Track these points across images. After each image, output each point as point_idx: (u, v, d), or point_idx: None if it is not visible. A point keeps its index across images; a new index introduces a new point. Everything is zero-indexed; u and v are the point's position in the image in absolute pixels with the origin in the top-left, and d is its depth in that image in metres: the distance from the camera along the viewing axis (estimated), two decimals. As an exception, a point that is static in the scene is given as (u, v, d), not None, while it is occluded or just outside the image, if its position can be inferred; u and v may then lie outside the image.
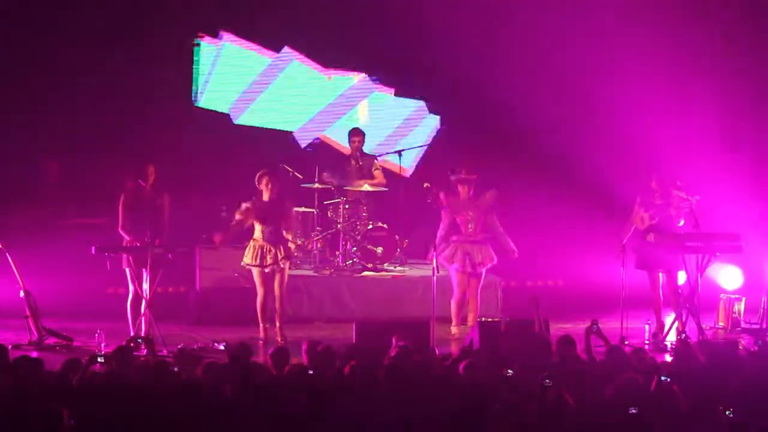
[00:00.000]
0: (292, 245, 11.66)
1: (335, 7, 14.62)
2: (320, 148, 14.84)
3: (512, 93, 14.70)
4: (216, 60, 14.85)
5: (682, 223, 11.55)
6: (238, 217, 11.40)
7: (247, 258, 11.41)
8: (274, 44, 14.97)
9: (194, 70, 14.79)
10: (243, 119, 14.95)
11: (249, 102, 14.96)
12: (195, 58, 14.78)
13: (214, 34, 14.82)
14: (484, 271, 11.96)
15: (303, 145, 14.99)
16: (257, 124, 14.94)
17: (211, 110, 14.83)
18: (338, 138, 14.96)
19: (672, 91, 14.73)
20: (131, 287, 11.00)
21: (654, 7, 14.76)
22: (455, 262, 11.84)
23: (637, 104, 14.78)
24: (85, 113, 14.04)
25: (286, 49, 14.93)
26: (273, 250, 11.34)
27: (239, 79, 14.94)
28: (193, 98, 14.81)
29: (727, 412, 6.55)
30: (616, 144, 14.71)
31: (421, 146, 14.75)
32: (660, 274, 11.66)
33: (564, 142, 14.91)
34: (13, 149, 13.77)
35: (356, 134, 13.85)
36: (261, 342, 11.28)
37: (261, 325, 11.51)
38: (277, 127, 14.99)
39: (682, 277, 11.89)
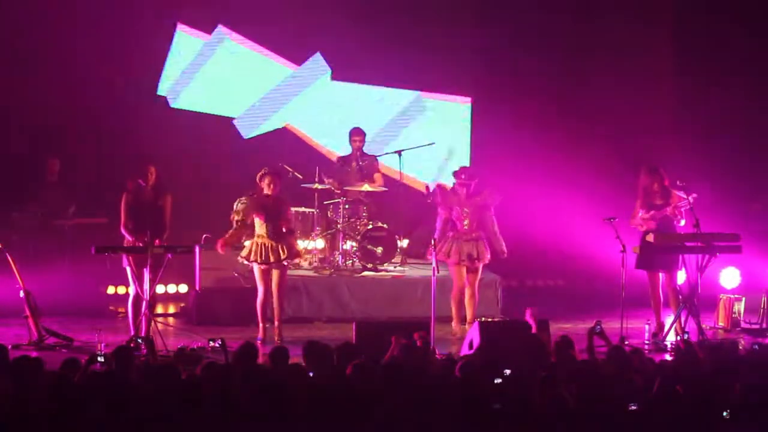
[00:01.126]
0: (303, 251, 11.66)
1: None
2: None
3: (509, 87, 14.77)
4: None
5: (683, 222, 11.54)
6: (237, 216, 11.35)
7: (248, 254, 11.37)
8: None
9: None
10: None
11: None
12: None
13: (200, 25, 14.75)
14: (481, 266, 11.94)
15: (245, 136, 14.76)
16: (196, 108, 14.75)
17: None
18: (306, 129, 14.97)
19: (672, 90, 14.74)
20: (132, 287, 10.99)
21: (659, 7, 14.79)
22: (451, 257, 11.82)
23: (638, 104, 14.79)
24: (85, 113, 14.04)
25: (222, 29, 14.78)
26: (274, 247, 11.32)
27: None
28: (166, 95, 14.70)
29: (724, 413, 6.56)
30: (617, 144, 14.72)
31: (424, 146, 14.59)
32: (660, 274, 11.66)
33: (564, 141, 14.93)
34: (13, 149, 13.79)
35: (357, 134, 13.82)
36: (259, 341, 11.27)
37: (260, 324, 11.50)
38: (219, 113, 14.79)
39: (681, 277, 11.88)
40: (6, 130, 13.87)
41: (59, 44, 13.90)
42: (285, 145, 14.91)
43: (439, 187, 12.12)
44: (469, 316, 11.90)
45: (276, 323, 11.46)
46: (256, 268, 11.39)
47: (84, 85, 13.97)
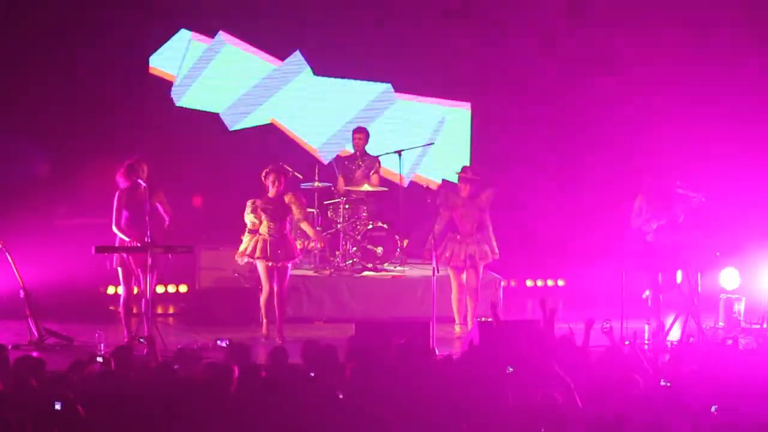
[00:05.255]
0: (312, 243, 11.70)
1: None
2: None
3: (508, 89, 14.77)
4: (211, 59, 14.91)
5: (681, 218, 11.54)
6: (251, 221, 11.33)
7: (252, 251, 11.34)
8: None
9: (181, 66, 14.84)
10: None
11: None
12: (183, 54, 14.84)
13: (209, 33, 14.88)
14: (482, 266, 11.93)
15: (230, 128, 14.88)
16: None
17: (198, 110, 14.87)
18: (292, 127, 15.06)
19: (673, 90, 14.71)
20: (124, 287, 10.97)
21: (661, 6, 14.77)
22: (452, 259, 11.82)
23: (638, 104, 14.78)
24: (84, 114, 14.03)
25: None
26: (277, 246, 11.31)
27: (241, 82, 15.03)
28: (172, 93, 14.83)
29: (713, 408, 6.57)
30: (617, 144, 14.71)
31: (424, 145, 14.64)
32: (659, 274, 11.66)
33: (564, 141, 14.93)
34: (13, 148, 13.78)
35: (359, 132, 13.80)
36: (264, 339, 11.23)
37: (264, 320, 11.46)
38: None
39: (680, 277, 11.88)
40: (6, 129, 13.86)
41: (57, 43, 13.91)
42: (285, 145, 14.95)
43: (442, 187, 12.11)
44: (469, 316, 11.91)
45: (278, 323, 11.45)
46: (261, 265, 11.37)
47: (81, 84, 13.98)
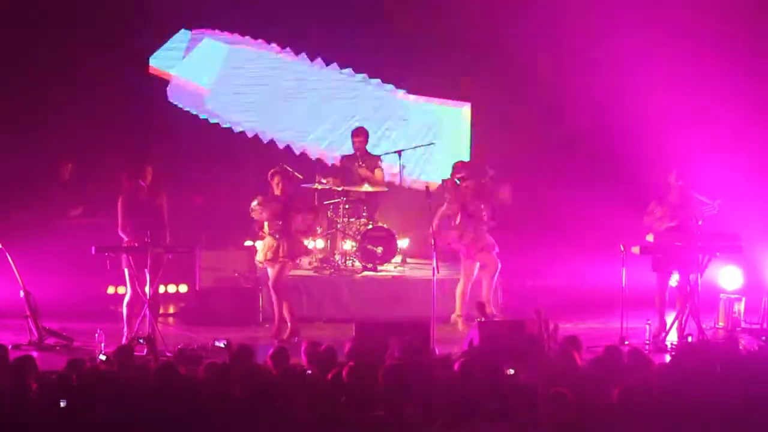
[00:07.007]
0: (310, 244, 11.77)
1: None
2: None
3: (511, 89, 14.76)
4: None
5: (701, 221, 11.55)
6: (258, 213, 11.37)
7: (260, 255, 11.39)
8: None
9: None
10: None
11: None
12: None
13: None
14: (496, 256, 12.04)
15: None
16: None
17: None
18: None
19: (677, 90, 14.71)
20: (129, 288, 10.96)
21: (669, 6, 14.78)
22: (469, 246, 11.91)
23: (640, 102, 14.77)
24: (83, 113, 14.05)
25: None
26: (276, 245, 11.31)
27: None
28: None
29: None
30: (621, 143, 14.71)
31: (423, 145, 14.68)
32: (671, 275, 11.64)
33: (565, 141, 14.93)
34: (13, 147, 13.79)
35: (357, 134, 13.79)
36: (277, 341, 11.13)
37: (276, 323, 11.47)
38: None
39: (674, 278, 11.85)
40: (17, 130, 13.90)
41: (63, 47, 13.96)
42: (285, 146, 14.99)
43: (451, 182, 12.15)
44: (488, 310, 11.95)
45: (288, 323, 11.41)
46: (268, 267, 11.45)
47: (82, 83, 14.00)
